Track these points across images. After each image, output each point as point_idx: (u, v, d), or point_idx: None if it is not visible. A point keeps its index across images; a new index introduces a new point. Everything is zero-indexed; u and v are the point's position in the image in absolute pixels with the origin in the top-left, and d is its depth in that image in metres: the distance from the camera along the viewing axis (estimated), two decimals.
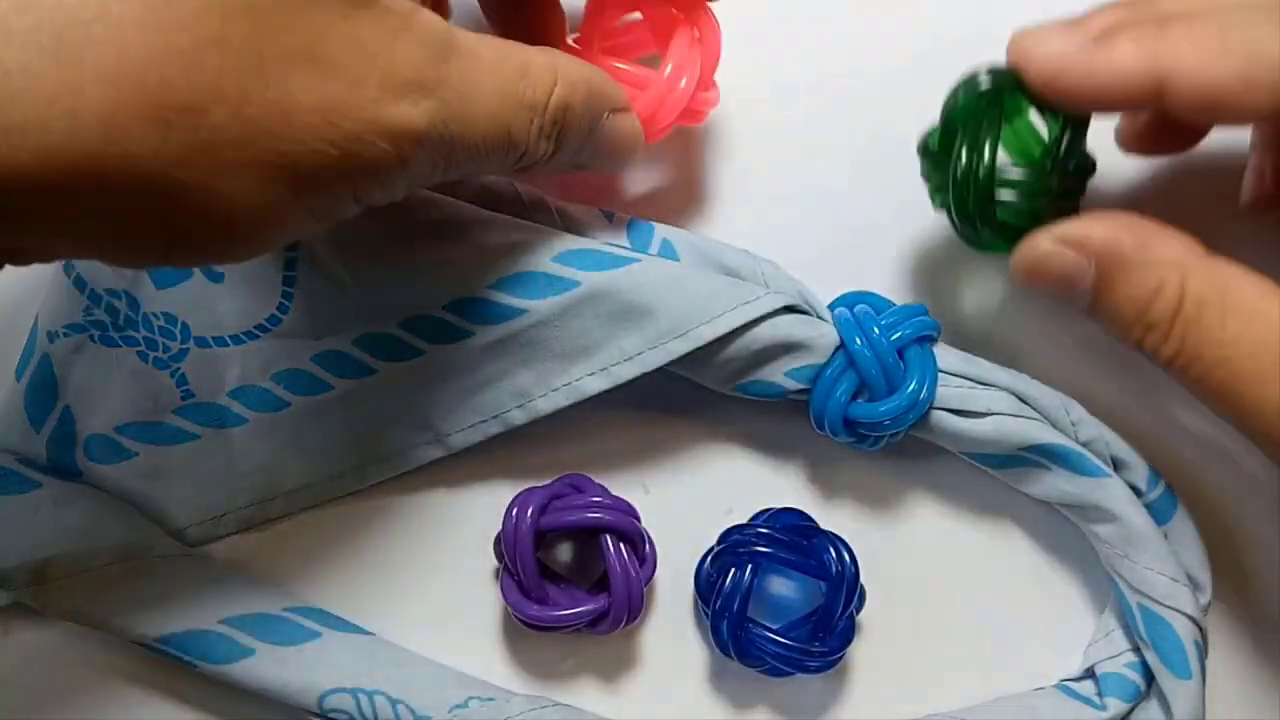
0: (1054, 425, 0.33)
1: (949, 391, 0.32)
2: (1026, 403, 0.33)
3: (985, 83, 0.30)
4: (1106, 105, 0.28)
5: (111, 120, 0.21)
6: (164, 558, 0.33)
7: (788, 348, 0.32)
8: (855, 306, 0.33)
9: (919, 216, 0.34)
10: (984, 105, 0.30)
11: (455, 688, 0.33)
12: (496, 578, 0.34)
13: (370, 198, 0.26)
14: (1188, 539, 0.33)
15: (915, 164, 0.32)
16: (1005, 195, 0.30)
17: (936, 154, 0.31)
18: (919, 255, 0.37)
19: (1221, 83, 0.26)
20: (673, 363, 0.32)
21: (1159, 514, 0.33)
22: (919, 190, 0.32)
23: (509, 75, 0.27)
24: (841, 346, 0.32)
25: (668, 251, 0.34)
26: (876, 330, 0.32)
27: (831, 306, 0.34)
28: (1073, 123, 0.29)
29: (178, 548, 0.33)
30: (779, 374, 0.33)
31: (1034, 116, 0.30)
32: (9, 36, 0.21)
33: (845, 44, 0.38)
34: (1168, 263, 0.28)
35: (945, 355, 0.33)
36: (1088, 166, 0.31)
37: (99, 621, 0.32)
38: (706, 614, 0.33)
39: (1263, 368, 0.27)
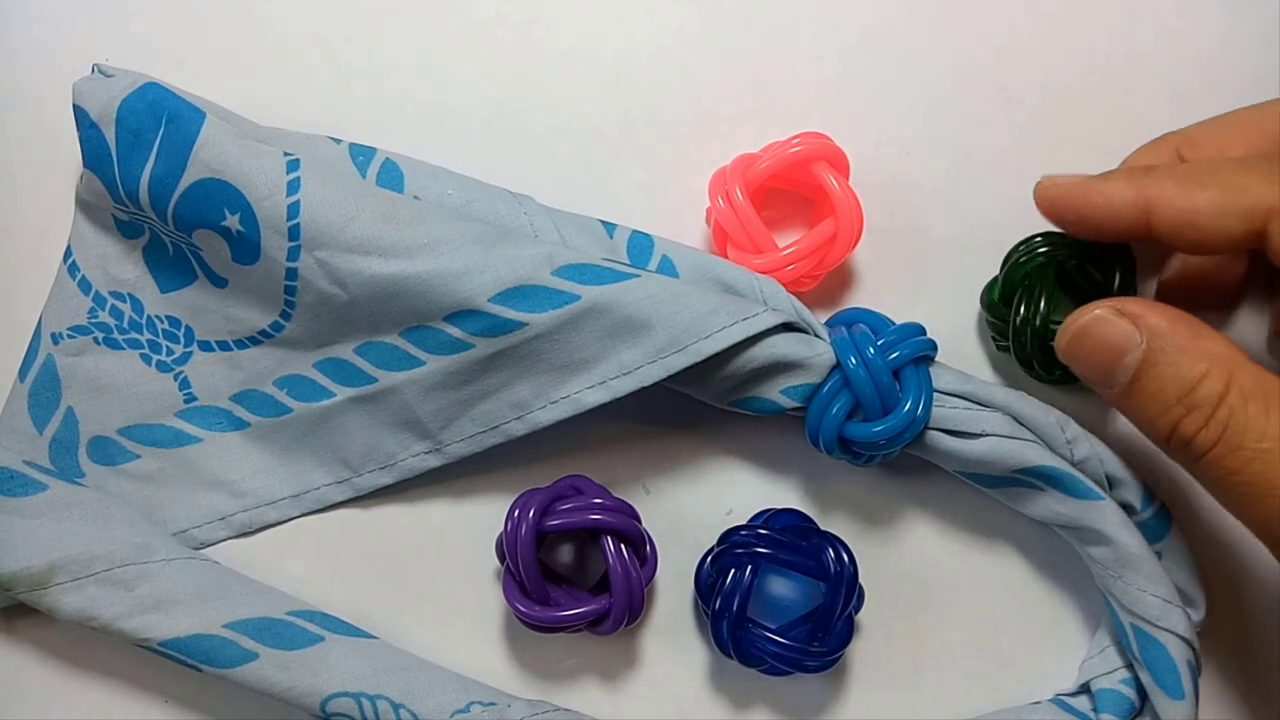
0: (1049, 444, 0.33)
1: (944, 412, 0.32)
2: (1022, 423, 0.33)
3: (1041, 245, 0.34)
4: (1102, 228, 0.31)
5: None
6: (167, 561, 0.33)
7: (784, 366, 0.32)
8: (853, 325, 0.33)
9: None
10: (1039, 266, 0.34)
11: (457, 692, 0.33)
12: (498, 578, 0.35)
13: None
14: (1181, 557, 0.33)
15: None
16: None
17: (996, 305, 0.35)
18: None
19: (1196, 209, 0.29)
20: (671, 378, 0.32)
21: (1153, 532, 0.33)
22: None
23: None
24: (837, 366, 0.32)
25: (667, 267, 0.34)
26: (872, 350, 0.32)
27: (830, 324, 0.34)
28: (1122, 281, 0.33)
29: (181, 551, 0.34)
30: (775, 391, 0.33)
31: (1084, 275, 0.34)
32: None
33: None
34: (1217, 355, 0.28)
35: (942, 375, 0.33)
36: None
37: (103, 625, 0.32)
38: (706, 614, 0.33)
39: None
